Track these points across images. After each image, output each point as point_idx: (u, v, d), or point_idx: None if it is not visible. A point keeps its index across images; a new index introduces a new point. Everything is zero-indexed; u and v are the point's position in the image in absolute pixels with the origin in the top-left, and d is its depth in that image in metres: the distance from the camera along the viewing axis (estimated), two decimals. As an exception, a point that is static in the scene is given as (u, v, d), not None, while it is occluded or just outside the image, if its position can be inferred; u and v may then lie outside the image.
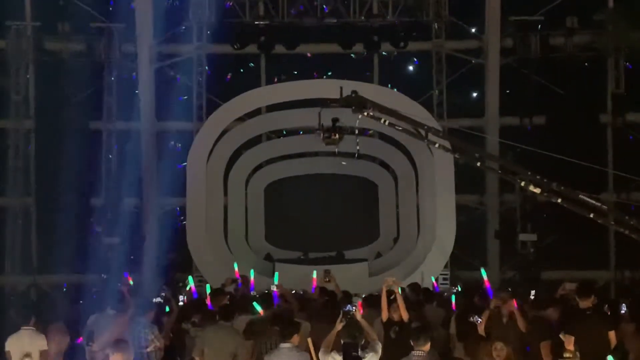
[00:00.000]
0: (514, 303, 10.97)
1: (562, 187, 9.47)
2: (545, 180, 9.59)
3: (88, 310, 11.43)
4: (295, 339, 8.72)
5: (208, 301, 11.77)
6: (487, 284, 13.56)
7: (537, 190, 9.56)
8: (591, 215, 9.40)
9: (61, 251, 19.46)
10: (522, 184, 9.77)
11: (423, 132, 10.68)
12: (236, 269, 15.91)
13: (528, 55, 21.38)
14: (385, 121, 10.66)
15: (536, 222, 21.02)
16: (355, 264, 20.39)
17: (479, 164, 10.62)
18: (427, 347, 8.37)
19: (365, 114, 10.33)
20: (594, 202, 9.36)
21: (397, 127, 10.83)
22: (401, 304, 10.52)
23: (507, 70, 21.82)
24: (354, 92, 10.58)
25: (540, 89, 21.59)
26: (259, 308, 11.18)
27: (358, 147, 11.90)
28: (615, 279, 21.10)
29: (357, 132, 10.85)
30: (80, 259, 19.07)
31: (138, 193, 21.71)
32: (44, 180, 21.13)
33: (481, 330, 10.29)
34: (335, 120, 11.03)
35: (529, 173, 9.74)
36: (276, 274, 15.88)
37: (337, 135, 10.80)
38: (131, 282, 14.26)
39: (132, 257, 20.75)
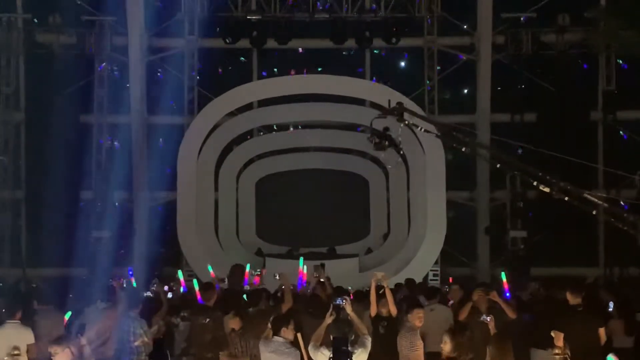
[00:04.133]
0: (496, 294, 11.05)
1: (569, 187, 9.81)
2: (554, 180, 9.94)
3: (77, 303, 11.40)
4: (286, 332, 8.72)
5: (198, 296, 11.74)
6: None
7: (547, 190, 9.95)
8: (594, 212, 9.67)
9: (51, 244, 19.41)
10: (535, 183, 10.11)
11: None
12: (211, 271, 15.68)
13: (519, 52, 21.44)
14: (421, 128, 11.55)
15: (526, 219, 21.08)
16: (346, 259, 20.35)
17: (498, 165, 11.18)
18: None
19: (407, 122, 11.11)
20: (597, 200, 9.61)
21: (433, 134, 12.08)
22: (390, 298, 10.53)
23: (499, 66, 21.85)
24: (399, 103, 11.60)
25: (532, 86, 21.64)
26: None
27: (402, 152, 12.81)
28: (605, 276, 21.15)
29: (400, 139, 11.83)
30: (69, 252, 18.98)
31: (128, 187, 21.68)
32: (34, 173, 21.07)
33: (492, 327, 10.32)
34: (386, 129, 11.85)
35: (541, 174, 10.02)
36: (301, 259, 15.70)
37: (386, 142, 11.65)
38: (134, 284, 14.13)
39: (121, 251, 20.75)
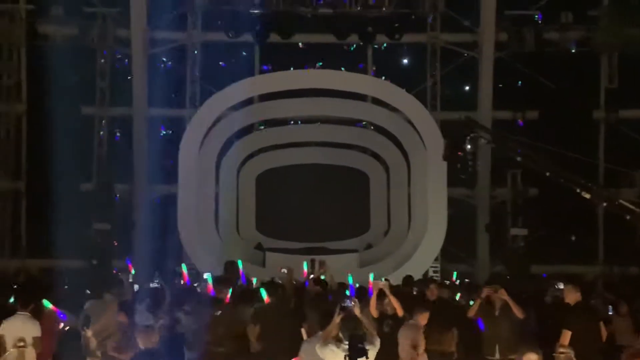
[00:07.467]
0: (504, 292, 11.07)
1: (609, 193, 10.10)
2: (594, 186, 10.20)
3: (79, 295, 11.40)
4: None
5: (210, 289, 11.78)
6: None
7: (587, 196, 10.24)
8: (627, 217, 9.82)
9: (51, 236, 19.40)
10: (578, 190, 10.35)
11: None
12: (185, 270, 15.54)
13: (522, 50, 21.43)
14: (485, 140, 12.31)
15: (527, 217, 21.09)
16: (346, 254, 20.34)
17: (548, 174, 11.52)
18: None
19: (473, 134, 12.05)
20: (633, 206, 9.84)
21: (492, 146, 12.47)
22: (395, 302, 10.51)
23: (501, 64, 21.85)
24: (467, 117, 12.90)
25: (534, 84, 21.65)
26: (264, 295, 11.26)
27: (471, 168, 13.52)
28: (604, 274, 21.22)
29: (469, 148, 12.42)
30: (69, 244, 18.98)
31: (129, 179, 21.68)
32: (35, 165, 21.06)
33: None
34: (461, 142, 12.41)
35: (583, 181, 10.24)
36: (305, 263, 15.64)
37: (460, 154, 12.41)
38: (133, 272, 14.18)
39: (122, 243, 20.76)
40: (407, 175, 21.32)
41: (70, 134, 20.39)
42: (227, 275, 13.45)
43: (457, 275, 18.05)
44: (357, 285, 13.95)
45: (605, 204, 10.08)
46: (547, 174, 11.40)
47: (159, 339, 9.25)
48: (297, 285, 13.41)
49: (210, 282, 12.27)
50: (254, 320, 10.92)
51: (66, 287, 14.27)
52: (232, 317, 11.00)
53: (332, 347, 7.98)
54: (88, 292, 10.72)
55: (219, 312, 10.78)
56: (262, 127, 22.97)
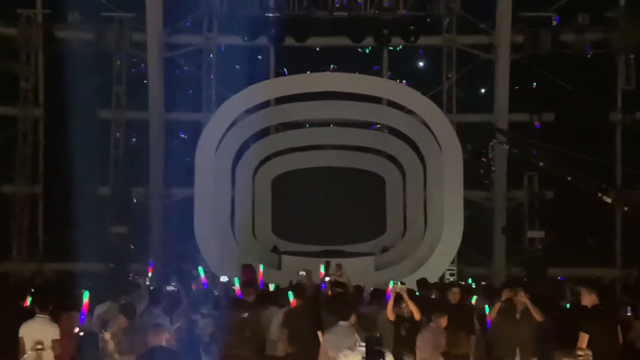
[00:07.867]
0: (523, 295, 11.01)
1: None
2: (614, 190, 10.16)
3: (96, 298, 11.43)
4: (352, 319, 8.82)
5: (237, 292, 11.82)
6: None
7: (609, 200, 10.16)
8: None
9: (68, 239, 19.51)
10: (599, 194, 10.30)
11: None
12: (202, 275, 15.55)
13: (538, 52, 21.36)
14: (506, 146, 12.30)
15: (544, 219, 21.01)
16: (362, 257, 20.30)
17: (570, 178, 11.49)
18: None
19: (495, 140, 12.08)
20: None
21: (514, 151, 12.70)
22: (412, 306, 10.49)
23: (517, 66, 21.79)
24: (490, 124, 12.66)
25: (550, 86, 21.56)
26: (292, 297, 11.28)
27: (493, 173, 13.66)
28: (622, 277, 21.08)
29: (491, 156, 12.46)
30: (86, 247, 19.07)
31: (146, 183, 21.76)
32: (52, 169, 21.18)
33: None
34: (484, 147, 12.54)
35: (604, 185, 10.21)
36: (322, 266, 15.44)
37: (484, 159, 12.46)
38: (149, 275, 14.22)
39: (138, 246, 20.82)
40: (423, 177, 21.26)
41: (87, 137, 20.47)
42: (252, 278, 13.43)
43: (472, 280, 17.98)
44: (372, 288, 13.96)
45: (626, 208, 10.02)
46: (569, 178, 11.34)
47: (174, 340, 9.30)
48: (314, 288, 13.40)
49: (237, 284, 12.27)
50: (285, 323, 10.94)
51: (83, 290, 14.24)
52: (258, 319, 11.03)
53: (345, 352, 7.95)
54: (108, 302, 10.70)
55: (246, 314, 10.77)
56: (278, 130, 23.00)
